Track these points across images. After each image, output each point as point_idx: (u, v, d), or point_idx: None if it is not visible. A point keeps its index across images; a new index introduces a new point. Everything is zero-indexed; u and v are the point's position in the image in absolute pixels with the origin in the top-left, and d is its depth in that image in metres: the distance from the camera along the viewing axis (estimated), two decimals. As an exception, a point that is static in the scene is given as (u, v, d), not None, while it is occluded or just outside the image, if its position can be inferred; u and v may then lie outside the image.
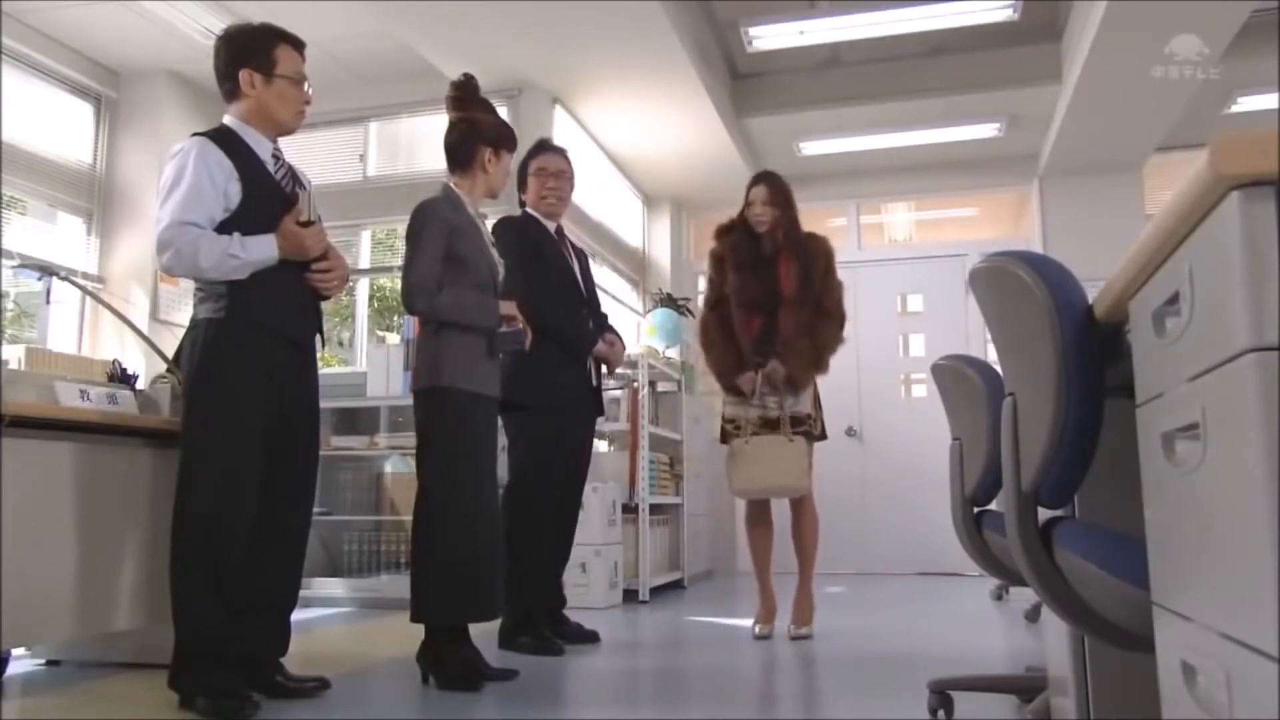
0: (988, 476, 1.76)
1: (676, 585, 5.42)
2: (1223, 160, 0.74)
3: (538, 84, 5.31)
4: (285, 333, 2.50)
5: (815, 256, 3.62)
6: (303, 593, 2.78)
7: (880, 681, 2.83)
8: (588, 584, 4.41)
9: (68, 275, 3.91)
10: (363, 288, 6.24)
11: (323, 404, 2.69)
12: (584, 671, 3.06)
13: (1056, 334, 1.15)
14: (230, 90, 2.53)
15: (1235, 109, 5.82)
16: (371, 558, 4.95)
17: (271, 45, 2.52)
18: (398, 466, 5.00)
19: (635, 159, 6.46)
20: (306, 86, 2.59)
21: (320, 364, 2.73)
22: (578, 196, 4.14)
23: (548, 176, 3.56)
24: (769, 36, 5.33)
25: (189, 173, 2.38)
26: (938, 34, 5.48)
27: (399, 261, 3.07)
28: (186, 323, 2.55)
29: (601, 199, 6.29)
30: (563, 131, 5.32)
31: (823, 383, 3.74)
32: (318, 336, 2.64)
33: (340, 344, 8.66)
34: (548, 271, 3.47)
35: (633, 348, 5.10)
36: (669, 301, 5.92)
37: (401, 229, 3.20)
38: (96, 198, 5.52)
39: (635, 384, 5.06)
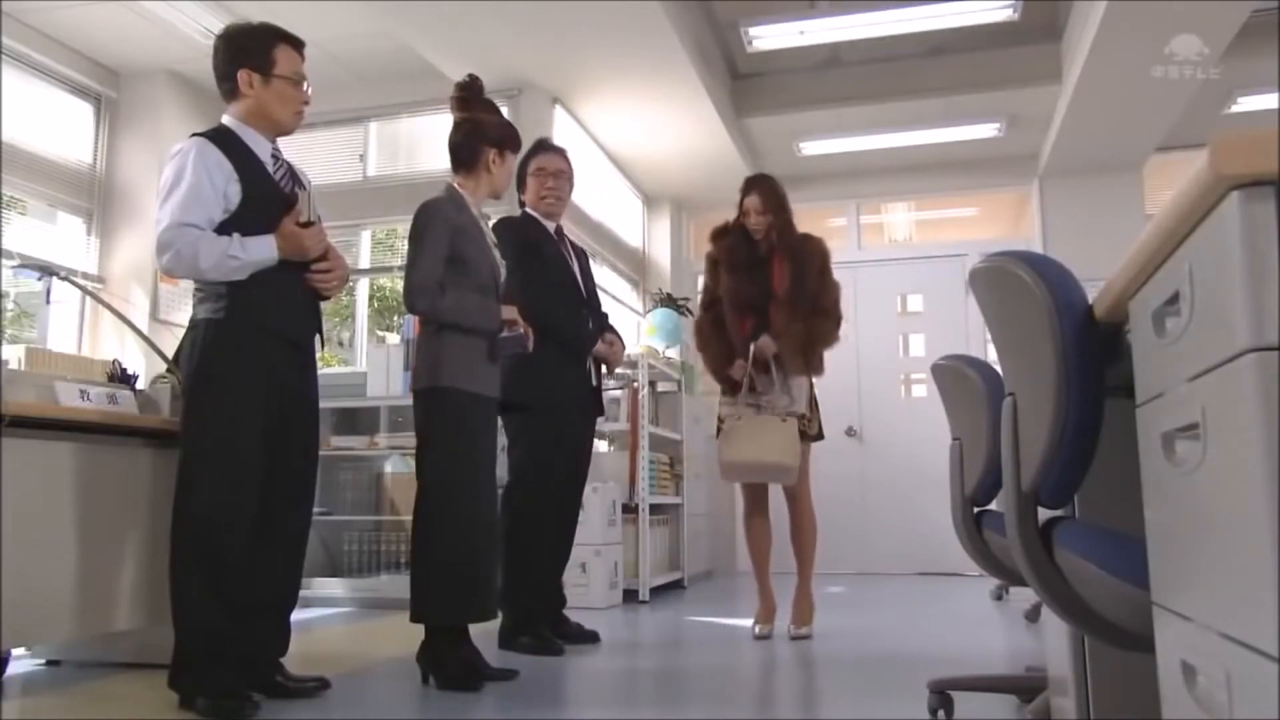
0: (988, 476, 1.76)
1: (676, 585, 5.42)
2: (1223, 160, 0.74)
3: (538, 84, 5.30)
4: (285, 333, 2.50)
5: (810, 257, 3.61)
6: (303, 593, 2.78)
7: (880, 681, 2.83)
8: (588, 584, 4.41)
9: (68, 275, 3.90)
10: (363, 288, 6.23)
11: (323, 404, 2.69)
12: (584, 671, 3.06)
13: (1056, 334, 1.15)
14: (229, 90, 2.53)
15: (1235, 109, 5.82)
16: (371, 558, 4.95)
17: (270, 45, 2.52)
18: (397, 466, 5.00)
19: (635, 159, 6.46)
20: (305, 86, 2.58)
21: (320, 364, 2.73)
22: (578, 196, 4.14)
23: (547, 176, 3.56)
24: (769, 36, 5.33)
25: (188, 174, 2.38)
26: (938, 34, 5.48)
27: (399, 261, 3.07)
28: (186, 323, 2.54)
29: (601, 199, 6.29)
30: (563, 131, 5.32)
31: (822, 383, 3.73)
32: (317, 337, 2.64)
33: (340, 344, 8.66)
34: (547, 271, 3.47)
35: (633, 348, 5.10)
36: (669, 301, 5.91)
37: (402, 229, 3.20)
38: (96, 198, 5.52)
39: (635, 384, 5.06)
